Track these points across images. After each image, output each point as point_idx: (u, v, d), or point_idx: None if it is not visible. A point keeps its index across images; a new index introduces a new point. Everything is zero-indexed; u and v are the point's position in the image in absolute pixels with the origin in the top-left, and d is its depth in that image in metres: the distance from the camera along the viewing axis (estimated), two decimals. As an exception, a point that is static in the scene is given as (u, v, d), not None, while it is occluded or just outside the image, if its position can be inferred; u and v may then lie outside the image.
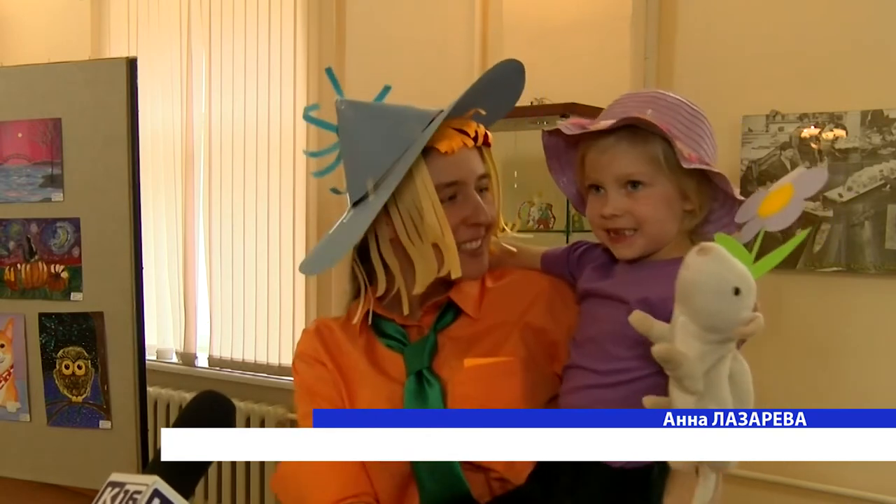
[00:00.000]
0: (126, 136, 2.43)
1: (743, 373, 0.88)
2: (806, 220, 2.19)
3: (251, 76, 3.28)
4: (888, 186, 2.11)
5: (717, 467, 0.88)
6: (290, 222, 3.22)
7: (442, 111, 1.13)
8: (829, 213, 2.18)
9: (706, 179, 1.05)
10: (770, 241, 0.88)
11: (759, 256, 0.88)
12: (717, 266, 0.84)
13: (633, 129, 1.03)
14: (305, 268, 1.19)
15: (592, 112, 1.97)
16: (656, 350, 0.85)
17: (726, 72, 2.33)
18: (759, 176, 2.26)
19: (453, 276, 1.13)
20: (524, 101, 2.33)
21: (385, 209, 1.13)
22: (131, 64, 2.44)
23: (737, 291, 0.84)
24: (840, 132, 2.17)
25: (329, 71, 1.25)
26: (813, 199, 2.19)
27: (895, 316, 2.16)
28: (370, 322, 1.22)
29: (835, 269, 2.18)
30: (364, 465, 1.15)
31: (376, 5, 3.03)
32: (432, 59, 2.86)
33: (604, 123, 1.03)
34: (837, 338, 2.23)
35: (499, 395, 1.11)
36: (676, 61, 2.42)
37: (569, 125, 1.07)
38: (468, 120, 1.17)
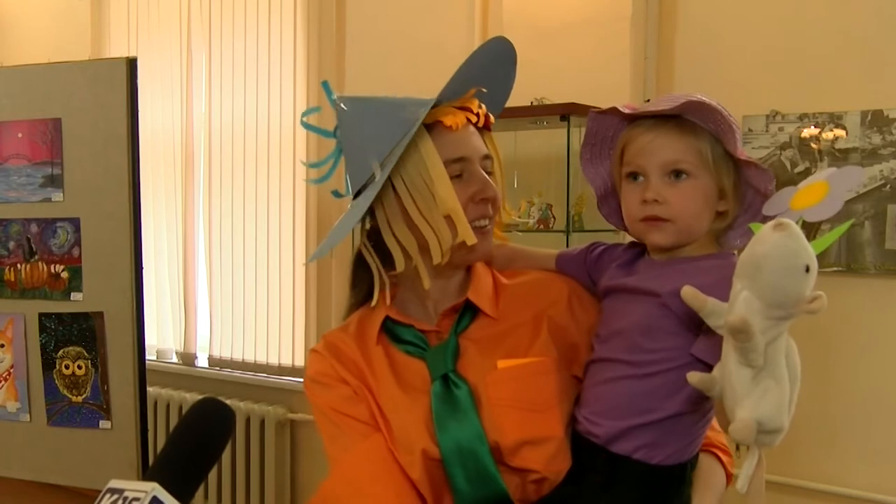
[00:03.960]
0: (126, 136, 2.43)
1: (794, 351, 0.91)
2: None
3: (251, 76, 3.27)
4: (888, 186, 2.11)
5: (764, 442, 0.89)
6: (289, 222, 3.22)
7: (440, 91, 1.13)
8: (829, 213, 2.18)
9: (739, 184, 1.07)
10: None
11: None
12: (793, 242, 0.85)
13: (681, 122, 1.05)
14: (313, 256, 1.23)
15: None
16: (731, 320, 0.85)
17: (726, 72, 2.33)
18: (759, 176, 2.26)
19: (469, 243, 1.11)
20: (524, 101, 2.35)
21: (394, 189, 1.12)
22: (131, 64, 2.45)
23: (807, 269, 0.86)
24: (840, 132, 2.17)
25: (325, 84, 1.24)
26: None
27: (895, 316, 2.16)
28: (385, 328, 1.20)
29: (835, 269, 2.18)
30: (412, 482, 1.11)
31: (376, 5, 3.03)
32: (432, 60, 2.85)
33: (666, 107, 1.04)
34: (837, 338, 2.23)
35: (533, 396, 1.10)
36: (676, 61, 2.42)
37: (625, 106, 1.09)
38: (471, 98, 1.17)
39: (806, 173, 2.21)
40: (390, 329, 1.20)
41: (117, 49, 3.64)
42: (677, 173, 1.04)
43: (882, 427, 2.18)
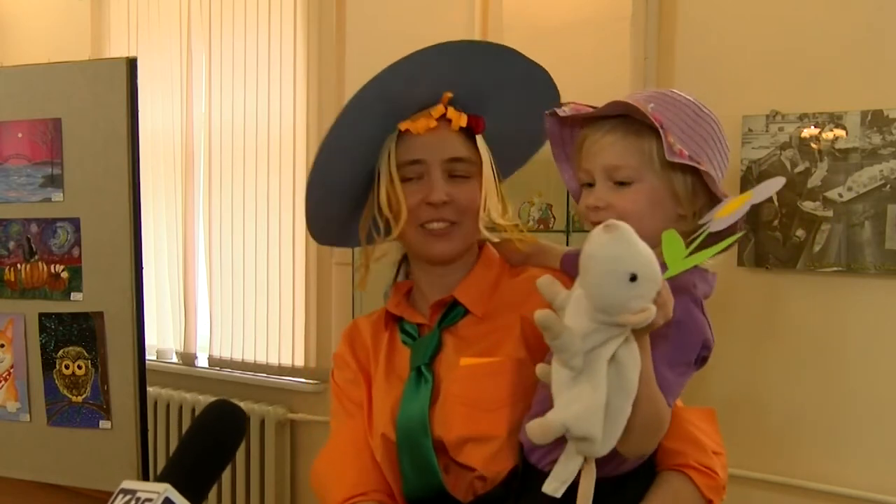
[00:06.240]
0: (126, 136, 2.43)
1: (630, 360, 0.85)
2: (806, 219, 2.20)
3: (251, 76, 3.27)
4: (888, 186, 2.11)
5: (580, 450, 0.86)
6: (290, 222, 3.22)
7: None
8: (829, 213, 2.18)
9: (703, 185, 1.03)
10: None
11: (694, 253, 0.87)
12: (618, 247, 0.80)
13: (629, 122, 1.02)
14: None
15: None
16: (537, 315, 0.81)
17: (726, 72, 2.33)
18: (759, 176, 2.26)
19: (389, 240, 1.23)
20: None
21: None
22: (131, 64, 2.44)
23: (633, 277, 0.80)
24: (840, 132, 2.17)
25: None
26: (813, 199, 2.19)
27: (895, 316, 2.16)
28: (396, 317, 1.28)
29: (835, 269, 2.18)
30: (376, 461, 1.19)
31: (376, 5, 3.03)
32: (432, 59, 2.85)
33: (596, 109, 1.03)
34: (837, 338, 2.23)
35: (485, 395, 1.13)
36: (676, 61, 2.42)
37: (566, 109, 1.08)
38: (441, 104, 1.23)
39: (806, 173, 2.21)
40: (399, 318, 1.27)
41: (117, 49, 3.64)
42: (620, 183, 1.02)
43: (882, 427, 2.18)
